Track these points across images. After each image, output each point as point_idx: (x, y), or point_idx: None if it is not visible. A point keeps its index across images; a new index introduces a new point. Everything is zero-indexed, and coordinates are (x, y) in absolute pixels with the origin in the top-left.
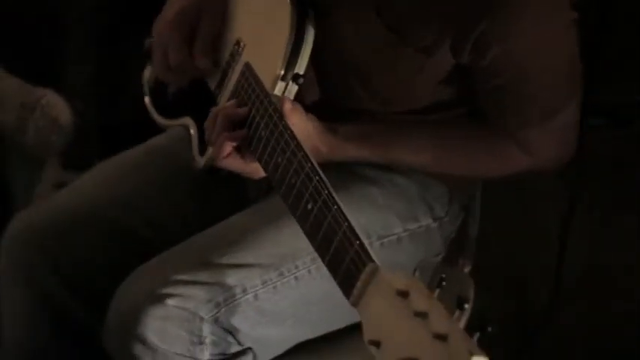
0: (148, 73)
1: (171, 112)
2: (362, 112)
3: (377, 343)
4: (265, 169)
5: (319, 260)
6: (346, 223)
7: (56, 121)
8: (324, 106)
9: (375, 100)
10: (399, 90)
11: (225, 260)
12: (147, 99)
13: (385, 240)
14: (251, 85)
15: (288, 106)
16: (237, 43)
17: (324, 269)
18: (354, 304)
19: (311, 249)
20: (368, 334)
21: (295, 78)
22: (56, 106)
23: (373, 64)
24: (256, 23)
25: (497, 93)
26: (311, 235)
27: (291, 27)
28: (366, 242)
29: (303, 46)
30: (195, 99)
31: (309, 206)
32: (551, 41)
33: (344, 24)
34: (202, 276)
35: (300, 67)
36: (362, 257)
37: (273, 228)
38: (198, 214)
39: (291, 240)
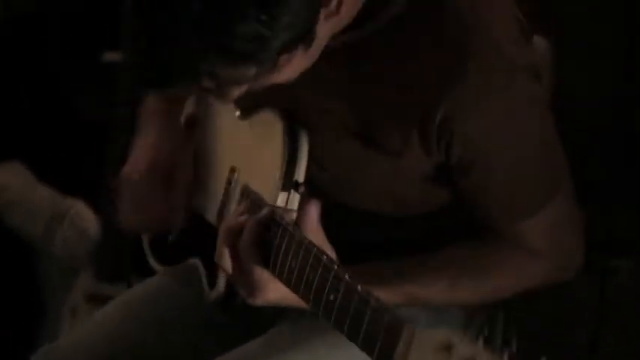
0: None
1: (172, 259)
2: (364, 219)
3: None
4: (280, 277)
5: None
6: (373, 298)
7: (84, 232)
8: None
9: (365, 204)
10: (382, 196)
11: None
12: (146, 248)
13: None
14: (252, 204)
15: (311, 225)
16: (232, 170)
17: None
18: None
19: None
20: None
21: (296, 186)
22: (85, 217)
23: (350, 172)
24: (248, 147)
25: (477, 191)
26: (339, 323)
27: (284, 136)
28: None
29: (299, 153)
30: (199, 241)
31: (332, 297)
32: (517, 130)
33: (316, 136)
34: None
35: (299, 175)
36: (398, 321)
37: (303, 353)
38: (214, 348)
39: None
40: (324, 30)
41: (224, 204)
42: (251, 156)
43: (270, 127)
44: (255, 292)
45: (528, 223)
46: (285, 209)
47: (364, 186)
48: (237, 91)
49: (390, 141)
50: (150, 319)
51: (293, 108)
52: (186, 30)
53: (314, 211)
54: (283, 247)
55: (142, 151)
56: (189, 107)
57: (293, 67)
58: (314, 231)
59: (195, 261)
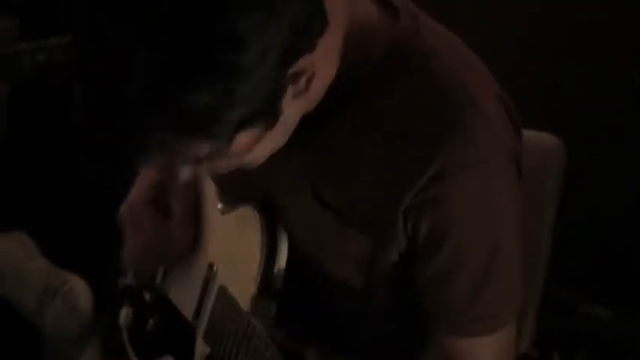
0: (123, 315)
1: (150, 353)
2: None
3: None
4: None
5: None
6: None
7: (76, 309)
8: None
9: (346, 293)
10: (358, 281)
11: None
12: (125, 341)
13: None
14: (226, 310)
15: None
16: (210, 266)
17: None
18: None
19: None
20: None
21: (277, 277)
22: (79, 293)
23: (323, 251)
24: (227, 244)
25: (436, 288)
26: None
27: (261, 234)
28: None
29: (279, 245)
30: (174, 336)
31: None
32: (491, 212)
33: (288, 213)
34: None
35: (281, 263)
36: None
37: None
38: None
39: None
40: (293, 109)
41: (200, 304)
42: (230, 254)
43: (247, 222)
44: None
45: (481, 341)
46: (264, 315)
47: (337, 257)
48: (188, 171)
49: (361, 217)
50: None
51: (268, 197)
52: (135, 97)
53: None
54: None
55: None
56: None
57: (256, 146)
58: None
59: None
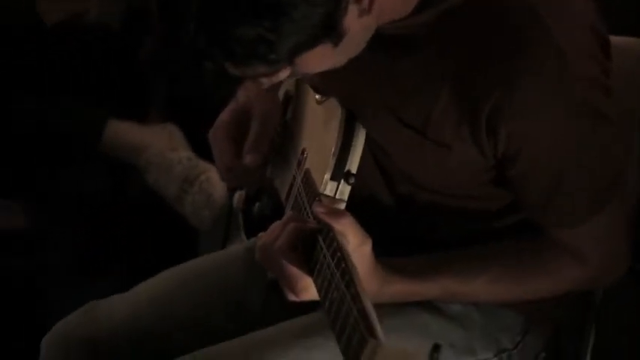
0: (236, 198)
1: (254, 234)
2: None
3: None
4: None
5: None
6: (357, 307)
7: (210, 197)
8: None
9: (426, 191)
10: (438, 183)
11: None
12: (240, 222)
13: None
14: (305, 193)
15: (347, 220)
16: (302, 152)
17: None
18: None
19: None
20: None
21: (347, 177)
22: (214, 183)
23: (402, 159)
24: (317, 132)
25: (523, 191)
26: (333, 328)
27: (340, 126)
28: None
29: (353, 143)
30: (273, 218)
31: (334, 298)
32: (563, 137)
33: (375, 124)
34: None
35: (352, 165)
36: (368, 334)
37: (302, 349)
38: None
39: None
40: (359, 25)
41: (291, 186)
42: (317, 141)
43: (333, 115)
44: (293, 291)
45: (575, 231)
46: (334, 199)
47: (423, 173)
48: (268, 81)
49: (442, 132)
50: (185, 300)
51: (353, 97)
52: (190, 30)
53: (348, 223)
54: (318, 264)
55: (233, 101)
56: (288, 84)
57: (326, 61)
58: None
59: None
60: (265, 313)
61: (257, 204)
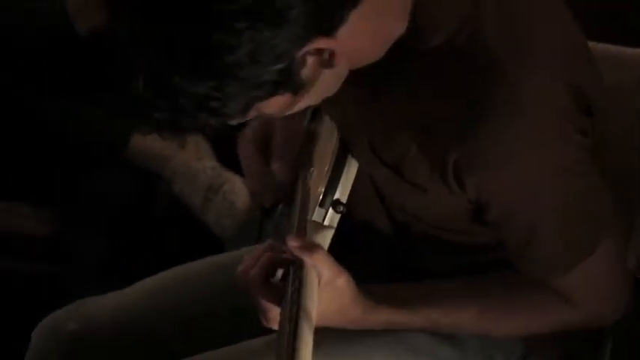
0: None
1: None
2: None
3: None
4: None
5: None
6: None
7: (232, 205)
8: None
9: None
10: (417, 212)
11: None
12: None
13: None
14: (301, 213)
15: (319, 255)
16: (310, 169)
17: None
18: None
19: None
20: None
21: (335, 205)
22: (237, 193)
23: (389, 192)
24: (323, 151)
25: (505, 234)
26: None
27: (332, 154)
28: None
29: (344, 172)
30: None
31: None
32: (537, 191)
33: (359, 156)
34: None
35: (341, 194)
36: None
37: None
38: (229, 338)
39: None
40: (325, 75)
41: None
42: (320, 162)
43: (333, 135)
44: (265, 320)
45: (562, 278)
46: (322, 226)
47: (409, 206)
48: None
49: (416, 175)
50: (184, 297)
51: (347, 125)
52: (143, 86)
53: (320, 257)
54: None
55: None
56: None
57: (283, 107)
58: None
59: None
60: None
61: (279, 206)
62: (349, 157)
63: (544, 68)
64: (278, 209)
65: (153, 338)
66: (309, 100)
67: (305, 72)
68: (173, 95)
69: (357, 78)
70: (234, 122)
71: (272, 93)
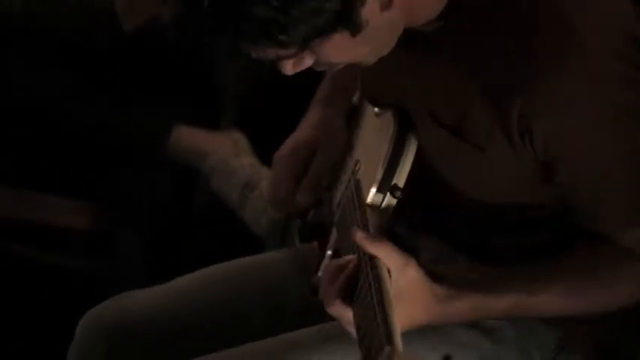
0: None
1: (307, 240)
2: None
3: None
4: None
5: None
6: (381, 316)
7: (267, 203)
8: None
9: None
10: (469, 188)
11: None
12: (295, 228)
13: None
14: (354, 203)
15: (384, 245)
16: (356, 163)
17: None
18: None
19: None
20: None
21: (393, 190)
22: None
23: (439, 163)
24: (372, 143)
25: (571, 192)
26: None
27: (391, 140)
28: None
29: (402, 157)
30: (324, 225)
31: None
32: (597, 140)
33: (419, 130)
34: None
35: (399, 179)
36: (384, 340)
37: (325, 353)
38: (263, 338)
39: None
40: (382, 19)
41: (342, 196)
42: (370, 153)
43: (387, 128)
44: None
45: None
46: (379, 210)
47: (454, 177)
48: (291, 68)
49: (476, 133)
50: (219, 297)
51: (402, 102)
52: (204, 7)
53: (386, 248)
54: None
55: (297, 132)
56: (355, 99)
57: (340, 51)
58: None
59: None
60: (303, 319)
61: (312, 211)
62: (407, 142)
63: (603, 13)
64: (311, 212)
65: (187, 336)
66: (365, 50)
67: (364, 11)
68: (237, 16)
69: (409, 42)
70: (289, 68)
71: (332, 25)
